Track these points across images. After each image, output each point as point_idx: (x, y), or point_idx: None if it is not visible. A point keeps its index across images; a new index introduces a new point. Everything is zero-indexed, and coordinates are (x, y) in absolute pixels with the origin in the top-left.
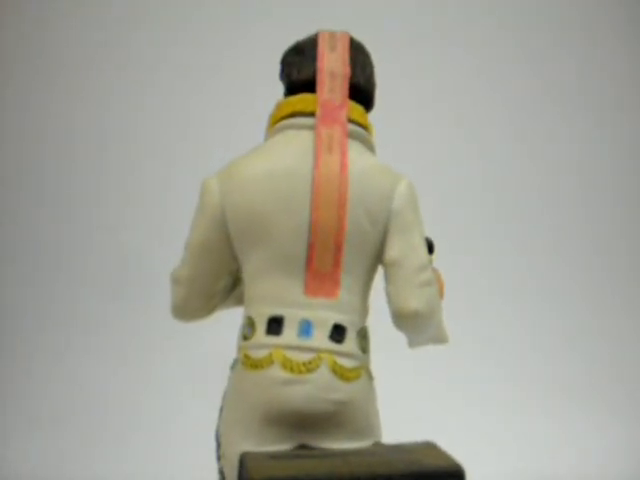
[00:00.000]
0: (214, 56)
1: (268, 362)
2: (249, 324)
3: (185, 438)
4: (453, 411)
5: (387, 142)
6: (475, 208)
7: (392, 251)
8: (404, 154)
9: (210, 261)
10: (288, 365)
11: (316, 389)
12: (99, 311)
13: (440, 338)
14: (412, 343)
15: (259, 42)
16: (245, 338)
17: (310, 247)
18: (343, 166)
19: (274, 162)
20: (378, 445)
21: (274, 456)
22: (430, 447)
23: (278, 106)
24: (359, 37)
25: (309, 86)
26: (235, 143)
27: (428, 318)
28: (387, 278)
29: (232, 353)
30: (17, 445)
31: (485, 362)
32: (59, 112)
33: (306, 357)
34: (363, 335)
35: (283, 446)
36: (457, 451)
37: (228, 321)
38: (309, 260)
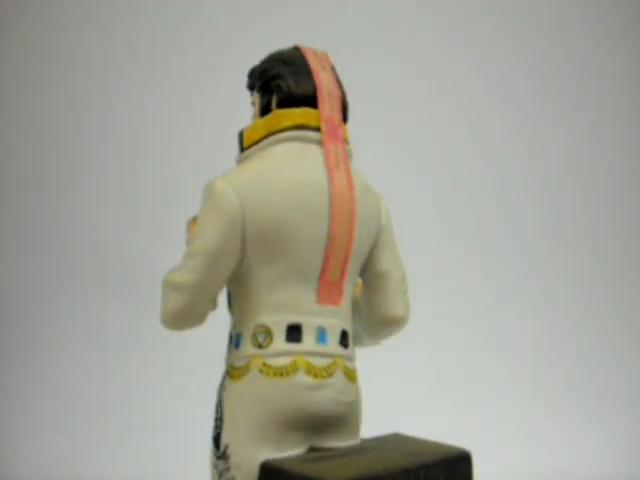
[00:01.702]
0: (214, 56)
1: (293, 369)
2: (264, 332)
3: (185, 437)
4: (450, 413)
5: (388, 142)
6: (475, 208)
7: (383, 264)
8: (404, 154)
9: (223, 267)
10: (312, 371)
11: (335, 392)
12: (99, 312)
13: None
14: (363, 344)
15: (259, 42)
16: (260, 346)
17: (326, 258)
18: (350, 183)
19: (295, 174)
20: (367, 441)
21: (307, 459)
22: (404, 437)
23: (276, 115)
24: (359, 37)
25: (308, 101)
26: (235, 146)
27: (406, 323)
28: (373, 288)
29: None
30: (18, 445)
31: (484, 362)
32: (60, 113)
33: (325, 362)
34: (353, 338)
35: (297, 450)
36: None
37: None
38: (323, 270)
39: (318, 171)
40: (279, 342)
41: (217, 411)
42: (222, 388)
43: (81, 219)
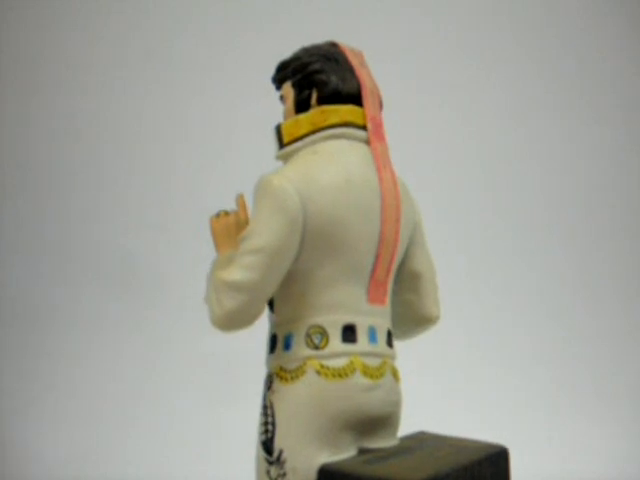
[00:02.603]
0: (214, 62)
1: (351, 370)
2: (319, 332)
3: (185, 436)
4: (454, 413)
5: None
6: (475, 209)
7: (417, 263)
8: (403, 152)
9: (281, 266)
10: (368, 372)
11: (386, 393)
12: (101, 312)
13: None
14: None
15: (258, 44)
16: (316, 347)
17: (377, 257)
18: (395, 182)
19: (349, 172)
20: (404, 440)
21: (366, 461)
22: (433, 435)
23: (323, 111)
24: (361, 37)
25: (351, 98)
26: (234, 145)
27: (438, 322)
28: (407, 287)
29: (232, 353)
30: (19, 444)
31: (488, 363)
32: (60, 112)
33: (377, 363)
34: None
35: (350, 452)
36: None
37: None
38: (374, 270)
39: (369, 170)
40: (335, 343)
41: (265, 415)
42: (270, 391)
43: (84, 220)
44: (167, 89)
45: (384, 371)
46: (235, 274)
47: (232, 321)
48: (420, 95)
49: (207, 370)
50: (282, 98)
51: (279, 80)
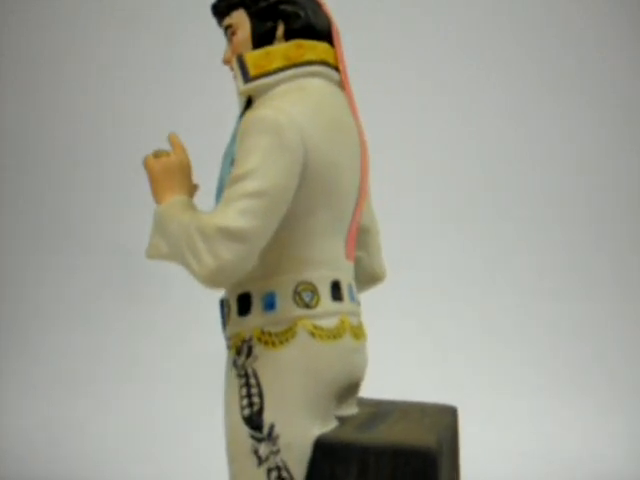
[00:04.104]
0: (214, 62)
1: (343, 330)
2: (309, 290)
3: (185, 434)
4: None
5: (390, 138)
6: (475, 202)
7: (366, 218)
8: (406, 153)
9: (282, 212)
10: (354, 332)
11: (365, 355)
12: (100, 309)
13: None
14: None
15: None
16: (307, 306)
17: (356, 209)
18: (363, 129)
19: (339, 115)
20: (363, 406)
21: (360, 429)
22: (383, 400)
23: (299, 45)
24: (361, 37)
25: (322, 35)
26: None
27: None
28: (357, 243)
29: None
30: (15, 439)
31: (490, 349)
32: (61, 115)
33: (357, 322)
34: None
35: (333, 422)
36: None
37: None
38: (352, 223)
39: (348, 115)
40: (326, 301)
41: (247, 386)
42: (250, 358)
43: (83, 216)
44: (167, 89)
45: (363, 331)
46: (235, 220)
47: (226, 275)
48: (420, 95)
49: (207, 368)
50: (228, 28)
51: (226, 8)
